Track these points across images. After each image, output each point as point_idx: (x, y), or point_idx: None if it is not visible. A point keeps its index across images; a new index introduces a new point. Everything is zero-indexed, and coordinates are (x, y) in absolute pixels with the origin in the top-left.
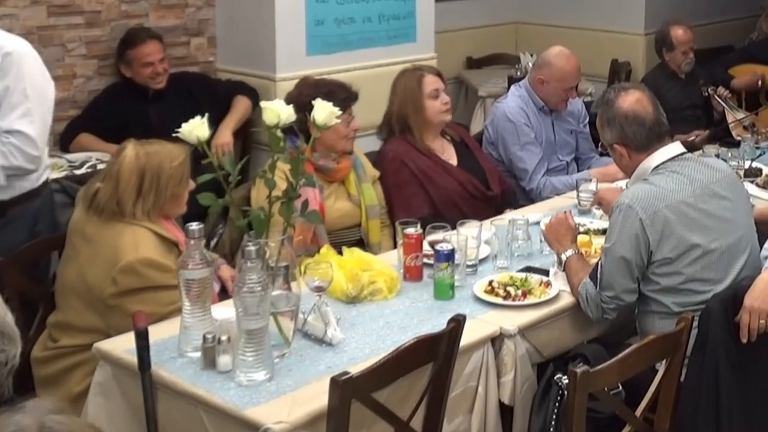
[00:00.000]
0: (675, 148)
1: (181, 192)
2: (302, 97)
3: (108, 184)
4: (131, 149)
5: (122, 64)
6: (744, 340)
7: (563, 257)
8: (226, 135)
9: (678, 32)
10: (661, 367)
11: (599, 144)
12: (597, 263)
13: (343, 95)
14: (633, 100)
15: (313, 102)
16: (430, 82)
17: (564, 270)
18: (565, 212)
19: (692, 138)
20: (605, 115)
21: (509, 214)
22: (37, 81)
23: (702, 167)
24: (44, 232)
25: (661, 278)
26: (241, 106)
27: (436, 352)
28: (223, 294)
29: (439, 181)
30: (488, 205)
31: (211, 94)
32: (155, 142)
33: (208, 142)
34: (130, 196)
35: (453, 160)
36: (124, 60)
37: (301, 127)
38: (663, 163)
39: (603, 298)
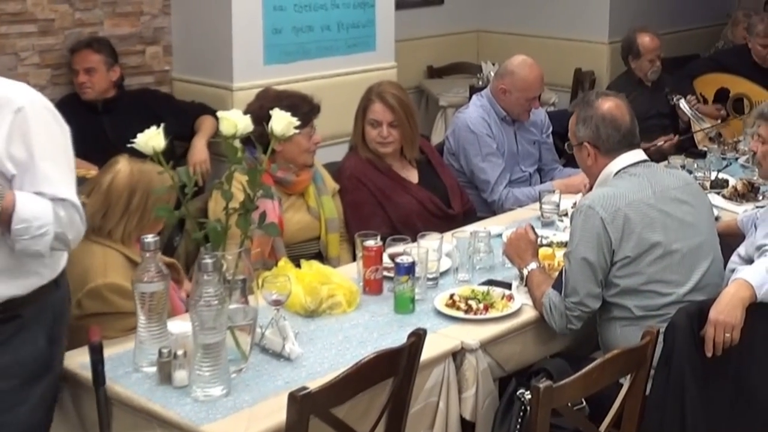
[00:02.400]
0: (638, 154)
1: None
2: (264, 110)
3: (96, 199)
4: (125, 165)
5: None
6: (709, 354)
7: (525, 272)
8: (202, 152)
9: (645, 39)
10: (626, 382)
11: (562, 155)
12: (560, 272)
13: (305, 108)
14: (613, 104)
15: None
16: (375, 111)
17: (526, 284)
18: (524, 226)
19: (660, 143)
20: (583, 113)
21: (471, 227)
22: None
23: (663, 173)
24: (60, 336)
25: (622, 279)
26: (209, 123)
27: (397, 367)
28: None
29: (398, 199)
30: (449, 224)
31: (173, 111)
32: (147, 161)
33: (173, 156)
34: (118, 213)
35: (413, 178)
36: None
37: (261, 140)
38: (624, 168)
39: (567, 304)
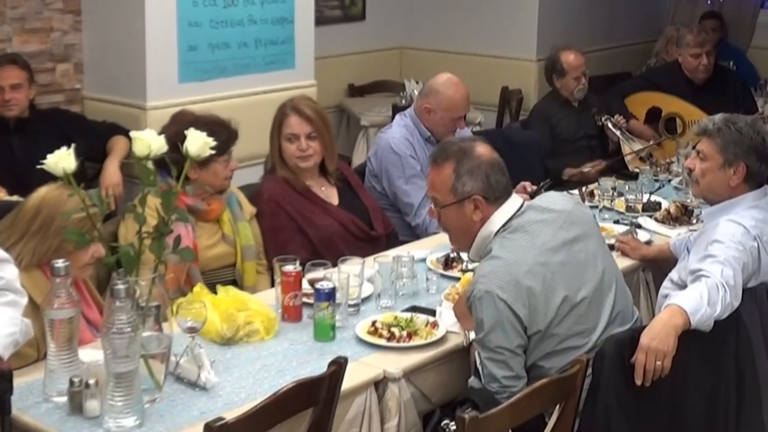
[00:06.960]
0: (513, 203)
1: (68, 248)
2: (180, 135)
3: (8, 217)
4: (45, 189)
5: None
6: (639, 383)
7: (471, 335)
8: (115, 174)
9: (569, 57)
10: (555, 413)
11: None
12: (475, 354)
13: (223, 136)
14: (488, 149)
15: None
16: (292, 125)
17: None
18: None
19: (586, 169)
20: (466, 166)
21: (394, 251)
22: None
23: (542, 215)
24: None
25: (536, 348)
26: (121, 143)
27: (316, 397)
28: None
29: (319, 222)
30: (372, 246)
31: (84, 132)
32: (81, 192)
33: (85, 178)
34: (16, 234)
35: (334, 199)
36: None
37: (177, 165)
38: (503, 225)
39: (492, 389)
